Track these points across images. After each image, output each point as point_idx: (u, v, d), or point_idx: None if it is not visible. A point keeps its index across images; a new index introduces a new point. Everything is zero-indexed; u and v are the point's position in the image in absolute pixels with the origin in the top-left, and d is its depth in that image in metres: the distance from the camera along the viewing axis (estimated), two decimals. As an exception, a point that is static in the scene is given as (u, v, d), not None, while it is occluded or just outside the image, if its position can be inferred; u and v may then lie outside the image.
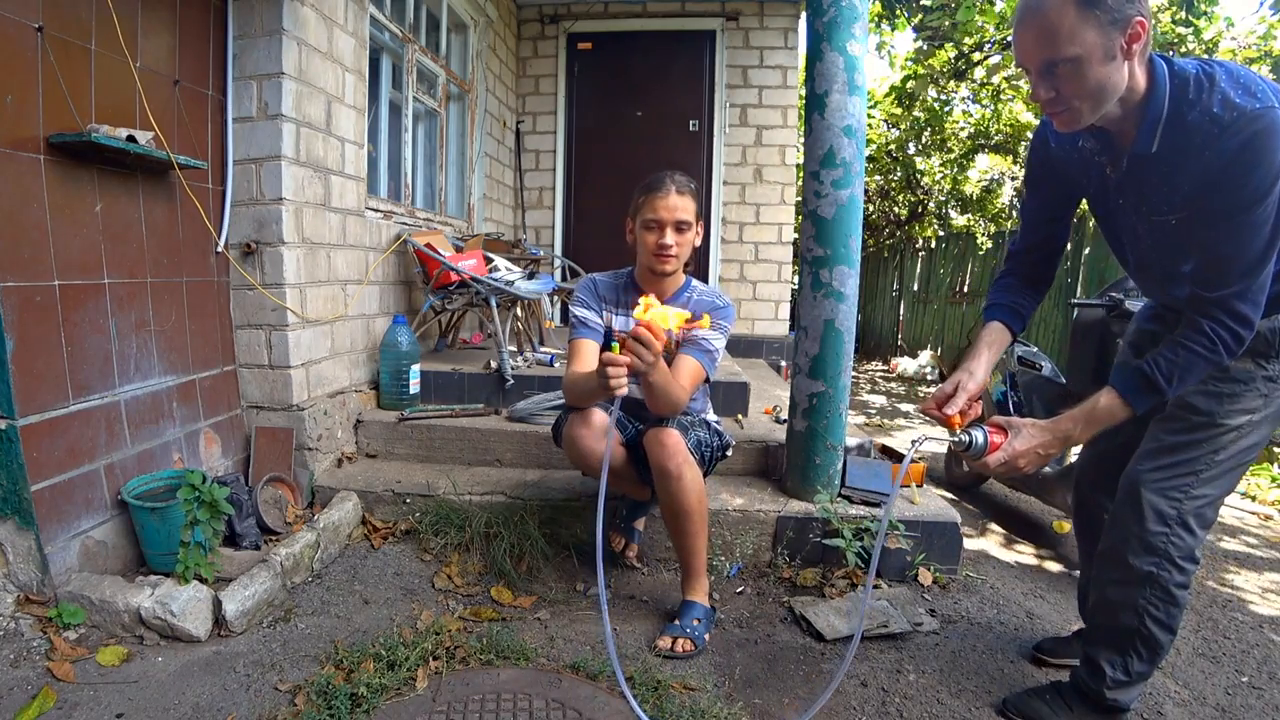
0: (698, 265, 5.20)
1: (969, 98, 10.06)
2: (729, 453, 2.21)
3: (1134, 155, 1.27)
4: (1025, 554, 2.67)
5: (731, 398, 3.11)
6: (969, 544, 2.64)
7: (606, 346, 2.07)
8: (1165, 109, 1.21)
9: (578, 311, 2.06)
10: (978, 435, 1.31)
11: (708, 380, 2.03)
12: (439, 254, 3.20)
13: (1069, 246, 6.01)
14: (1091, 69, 1.15)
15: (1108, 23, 1.12)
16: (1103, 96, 1.19)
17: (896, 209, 12.40)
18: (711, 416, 2.24)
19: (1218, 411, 1.38)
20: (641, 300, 1.55)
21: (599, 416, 1.93)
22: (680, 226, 1.95)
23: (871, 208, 11.91)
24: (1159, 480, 1.40)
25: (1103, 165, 1.36)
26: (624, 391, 1.60)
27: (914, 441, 1.34)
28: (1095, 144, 1.36)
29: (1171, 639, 1.46)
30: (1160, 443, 1.43)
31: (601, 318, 2.08)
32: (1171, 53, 6.45)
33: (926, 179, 11.72)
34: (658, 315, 1.53)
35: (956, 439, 1.33)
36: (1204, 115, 1.18)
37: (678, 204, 1.92)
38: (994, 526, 2.97)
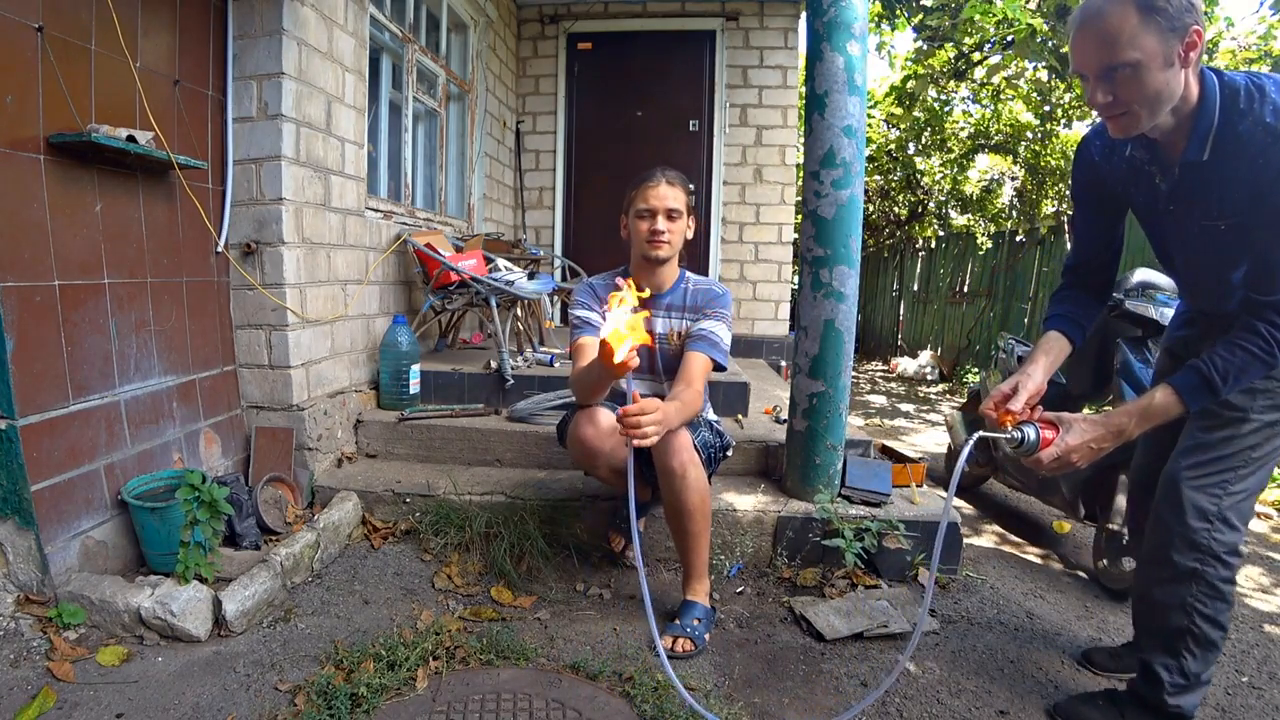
0: (698, 265, 5.20)
1: (969, 98, 10.06)
2: (729, 453, 2.21)
3: (1185, 164, 1.28)
4: (1025, 554, 2.67)
5: (731, 398, 3.11)
6: (969, 544, 2.64)
7: None
8: (1217, 118, 1.23)
9: (578, 313, 2.10)
10: (1029, 431, 1.32)
11: (720, 369, 2.05)
12: (439, 254, 3.20)
13: (1069, 248, 6.02)
14: (1151, 74, 1.17)
15: (1167, 29, 1.15)
16: (1160, 102, 1.21)
17: (896, 209, 12.40)
18: (711, 416, 2.25)
19: (1252, 408, 1.39)
20: (612, 297, 1.45)
21: (605, 417, 1.93)
22: (671, 214, 2.00)
23: (871, 208, 11.90)
24: (1197, 477, 1.41)
25: (1152, 175, 1.38)
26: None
27: (968, 440, 1.32)
28: (1144, 154, 1.37)
29: (1223, 636, 1.45)
30: (1197, 440, 1.44)
31: (602, 317, 2.10)
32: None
33: (926, 179, 11.72)
34: (627, 324, 1.41)
35: (1009, 436, 1.33)
36: (1256, 125, 1.20)
37: (668, 193, 1.99)
38: (994, 526, 2.97)
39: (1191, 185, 1.31)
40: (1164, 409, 1.30)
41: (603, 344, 1.50)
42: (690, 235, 2.09)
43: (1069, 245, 6.45)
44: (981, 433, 1.36)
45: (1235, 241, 1.30)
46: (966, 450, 1.32)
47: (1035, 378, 1.42)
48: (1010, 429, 1.34)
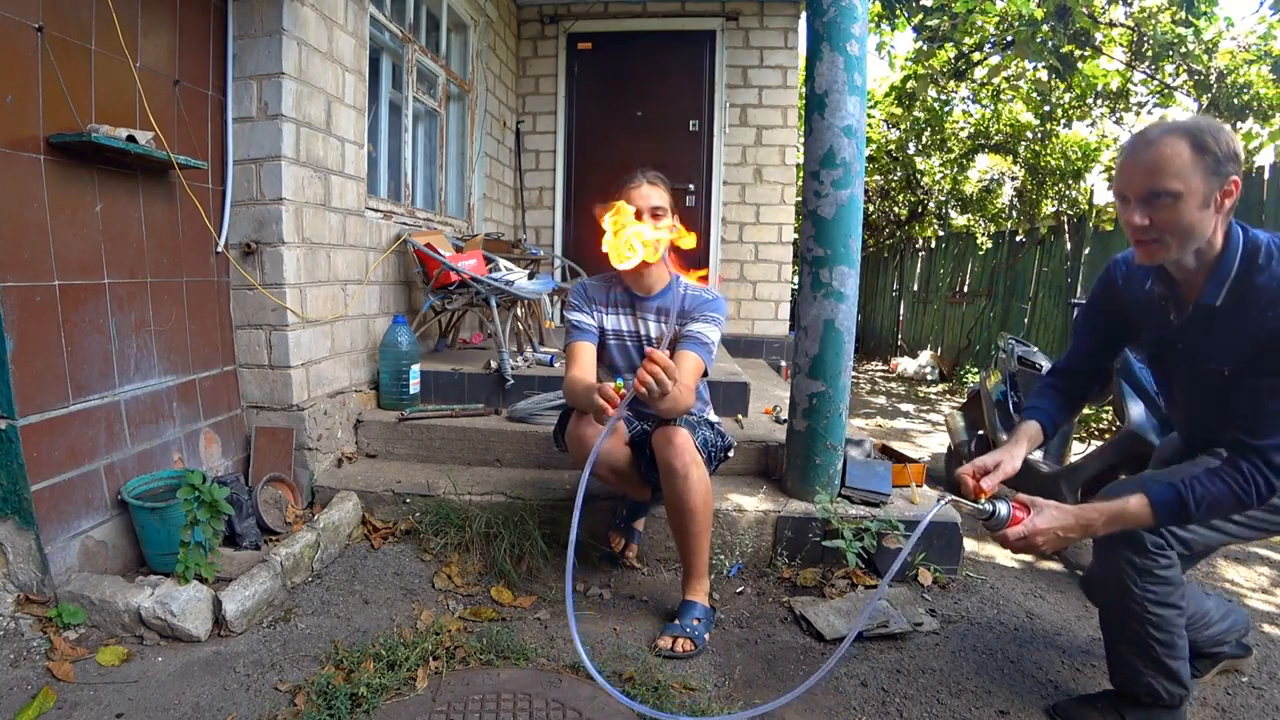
0: (698, 265, 5.18)
1: (969, 98, 10.06)
2: (730, 453, 2.21)
3: (1200, 305, 1.36)
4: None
5: (731, 398, 3.11)
6: (969, 544, 2.64)
7: (601, 345, 2.13)
8: (1236, 267, 1.31)
9: (571, 315, 2.11)
10: (1001, 507, 1.35)
11: (705, 374, 2.05)
12: (439, 254, 3.20)
13: (1069, 248, 6.02)
14: (1188, 209, 1.25)
15: (1211, 172, 1.24)
16: (1190, 238, 1.28)
17: (896, 209, 12.40)
18: (713, 417, 2.25)
19: None
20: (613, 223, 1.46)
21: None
22: (655, 213, 2.01)
23: (871, 208, 11.90)
24: None
25: (1166, 310, 1.45)
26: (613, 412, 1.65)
27: (940, 500, 1.38)
28: (1164, 289, 1.45)
29: (1179, 614, 1.46)
30: None
31: (593, 318, 2.11)
32: (1171, 53, 6.46)
33: (926, 179, 11.73)
34: (636, 231, 1.46)
35: (979, 507, 1.37)
36: (1272, 279, 1.28)
37: (650, 192, 2.01)
38: (994, 526, 2.97)
39: (1202, 327, 1.38)
40: (1135, 517, 1.34)
41: (600, 390, 1.61)
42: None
43: (1067, 246, 6.36)
44: (953, 497, 1.41)
45: (1233, 387, 1.35)
46: (930, 516, 1.35)
47: (1016, 461, 1.48)
48: (983, 501, 1.37)
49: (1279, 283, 1.26)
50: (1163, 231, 1.28)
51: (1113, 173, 1.37)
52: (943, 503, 1.37)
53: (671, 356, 2.00)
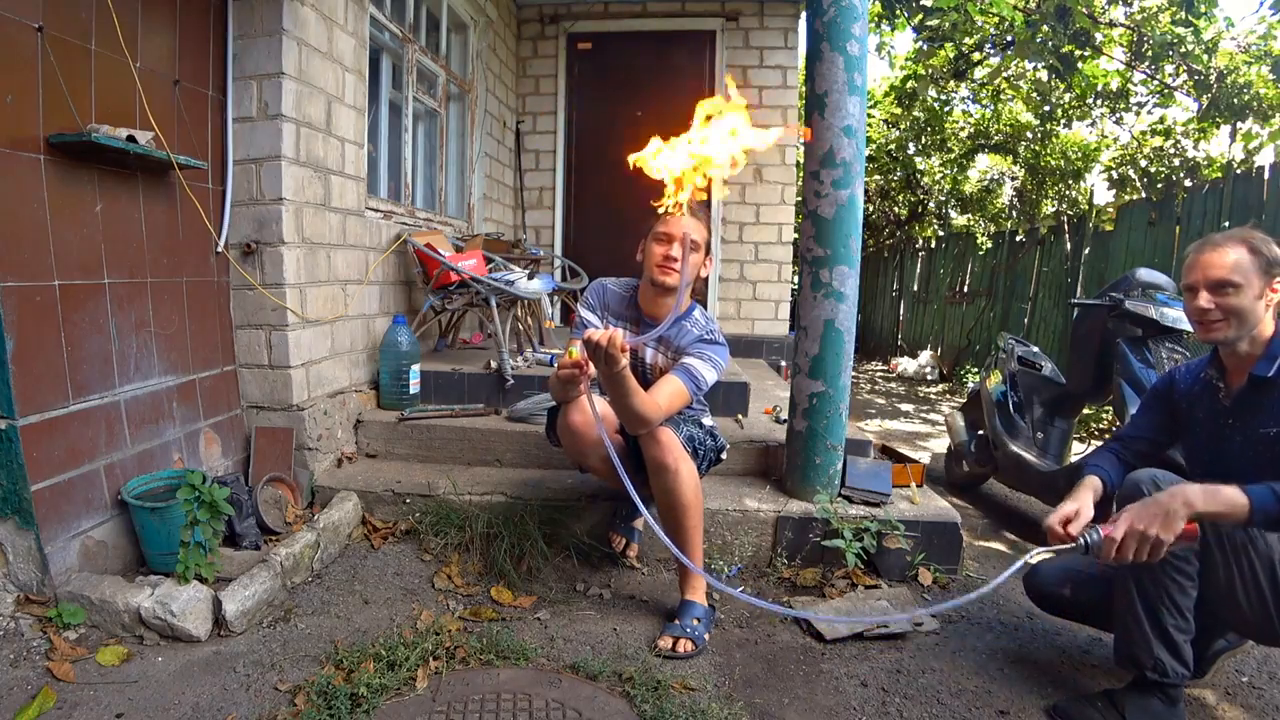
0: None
1: (969, 98, 10.06)
2: (724, 455, 2.21)
3: (1252, 377, 1.57)
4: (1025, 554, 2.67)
5: (731, 398, 3.11)
6: (969, 544, 2.64)
7: None
8: None
9: (582, 312, 2.13)
10: (1091, 535, 1.47)
11: (691, 405, 2.05)
12: (439, 254, 3.20)
13: (1069, 248, 6.02)
14: (1245, 297, 1.54)
15: (1264, 271, 1.54)
16: (1244, 321, 1.55)
17: (896, 209, 12.40)
18: (707, 420, 2.25)
19: None
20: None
21: (594, 403, 1.92)
22: (689, 245, 1.97)
23: (871, 208, 11.90)
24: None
25: (1218, 390, 1.67)
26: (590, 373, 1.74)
27: (1025, 558, 1.49)
28: (1216, 373, 1.68)
29: (1193, 585, 1.50)
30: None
31: (601, 324, 2.09)
32: (1171, 53, 6.45)
33: (926, 179, 11.72)
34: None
35: (1074, 546, 1.48)
36: None
37: (690, 225, 1.98)
38: (994, 527, 2.97)
39: (1253, 397, 1.58)
40: (1230, 499, 1.39)
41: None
42: (705, 274, 2.10)
43: (1067, 246, 6.35)
44: (1041, 551, 1.50)
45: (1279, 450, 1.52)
46: (1008, 574, 1.43)
47: (1090, 509, 1.58)
48: (1080, 538, 1.48)
49: None
50: (1224, 314, 1.55)
51: (1184, 269, 1.63)
52: (1030, 557, 1.47)
53: (656, 380, 2.01)
